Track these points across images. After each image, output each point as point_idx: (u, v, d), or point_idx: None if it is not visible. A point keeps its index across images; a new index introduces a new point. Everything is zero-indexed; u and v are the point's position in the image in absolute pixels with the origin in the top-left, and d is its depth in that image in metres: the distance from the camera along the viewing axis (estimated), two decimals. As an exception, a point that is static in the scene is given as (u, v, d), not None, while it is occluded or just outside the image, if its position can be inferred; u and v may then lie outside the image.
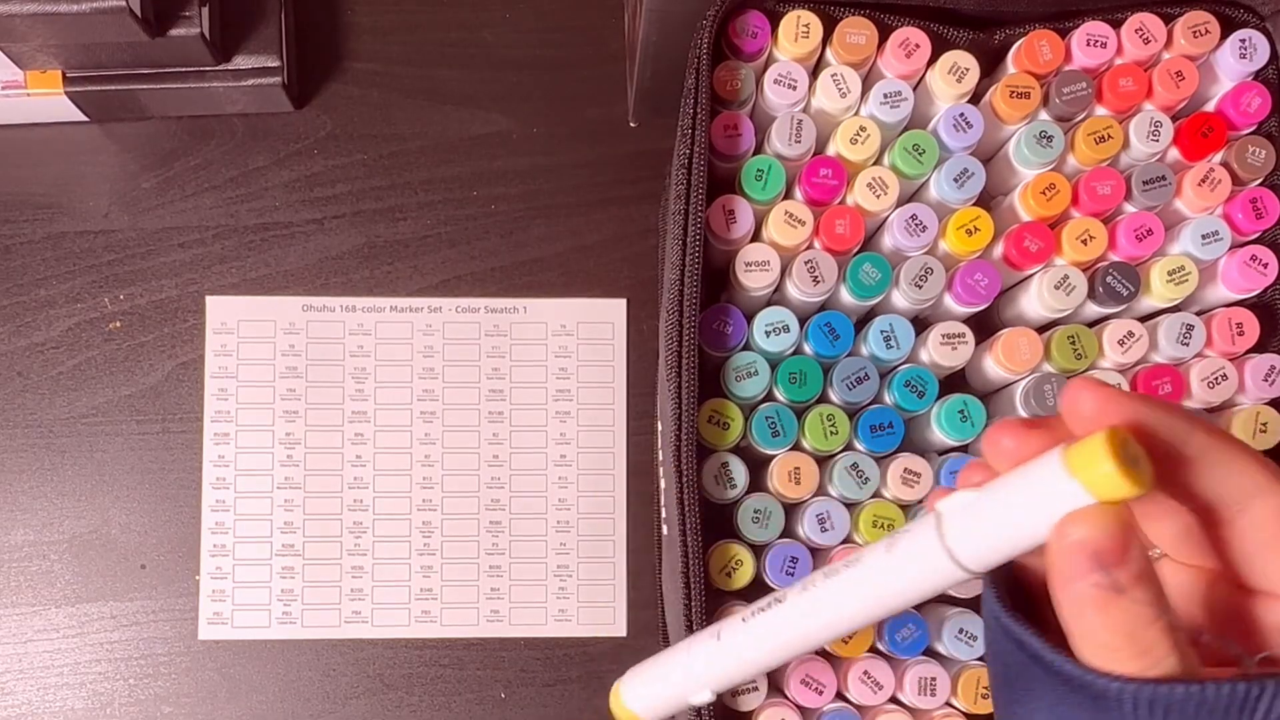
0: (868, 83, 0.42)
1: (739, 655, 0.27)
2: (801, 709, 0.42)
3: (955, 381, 0.45)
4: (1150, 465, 0.21)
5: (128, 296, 0.53)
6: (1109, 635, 0.21)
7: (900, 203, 0.42)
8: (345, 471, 0.52)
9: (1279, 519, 0.23)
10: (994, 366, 0.42)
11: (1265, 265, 0.42)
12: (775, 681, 0.43)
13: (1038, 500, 0.21)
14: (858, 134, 0.41)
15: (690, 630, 0.39)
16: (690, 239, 0.40)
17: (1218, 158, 0.43)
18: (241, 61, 0.51)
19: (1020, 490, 0.22)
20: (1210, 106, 0.43)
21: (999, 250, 0.42)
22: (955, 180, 0.41)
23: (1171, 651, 0.21)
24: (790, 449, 0.42)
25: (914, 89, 0.42)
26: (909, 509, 0.43)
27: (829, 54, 0.42)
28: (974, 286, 0.42)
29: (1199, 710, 0.20)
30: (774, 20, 0.41)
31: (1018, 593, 0.25)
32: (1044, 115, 0.42)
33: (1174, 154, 0.42)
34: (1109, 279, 0.41)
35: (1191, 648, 0.21)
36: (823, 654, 0.43)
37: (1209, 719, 0.20)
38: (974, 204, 0.42)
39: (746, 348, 0.42)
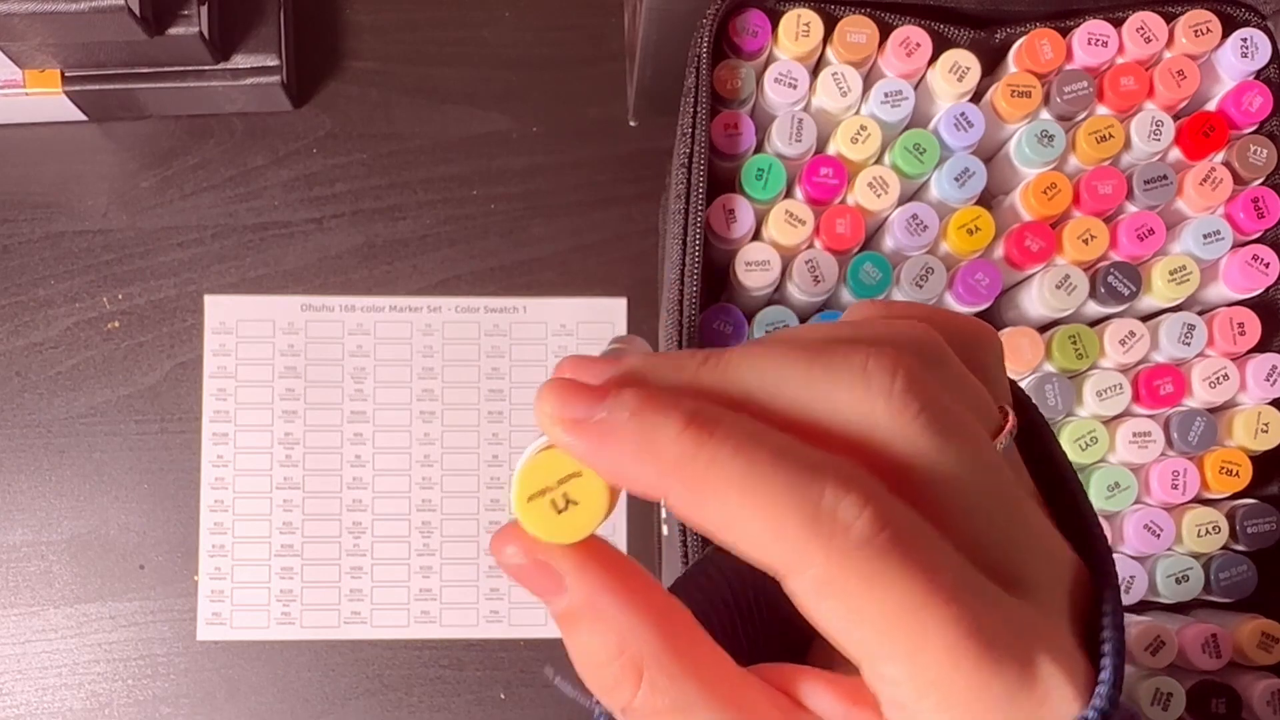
0: (868, 82, 0.42)
1: None
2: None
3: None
4: (593, 516, 0.17)
5: (126, 296, 0.53)
6: (574, 658, 0.18)
7: (901, 202, 0.42)
8: (344, 471, 0.52)
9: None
10: (995, 366, 0.42)
11: (1267, 265, 0.42)
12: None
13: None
14: (858, 133, 0.41)
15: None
16: (690, 239, 0.40)
17: (1219, 157, 0.42)
18: (240, 60, 0.51)
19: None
20: (1212, 106, 0.43)
21: (1000, 250, 0.42)
22: (956, 179, 0.41)
23: (633, 694, 0.17)
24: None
25: (915, 88, 0.42)
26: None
27: (829, 53, 0.42)
28: (975, 286, 0.41)
29: None
30: (774, 19, 0.41)
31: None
32: (1045, 114, 0.42)
33: (1175, 153, 0.42)
34: (1110, 278, 0.41)
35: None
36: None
37: None
38: (975, 203, 0.42)
39: (747, 347, 0.42)
